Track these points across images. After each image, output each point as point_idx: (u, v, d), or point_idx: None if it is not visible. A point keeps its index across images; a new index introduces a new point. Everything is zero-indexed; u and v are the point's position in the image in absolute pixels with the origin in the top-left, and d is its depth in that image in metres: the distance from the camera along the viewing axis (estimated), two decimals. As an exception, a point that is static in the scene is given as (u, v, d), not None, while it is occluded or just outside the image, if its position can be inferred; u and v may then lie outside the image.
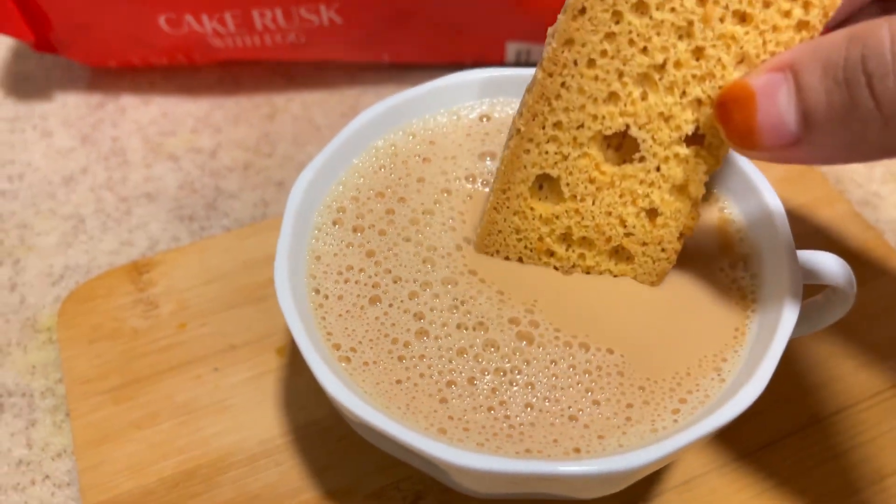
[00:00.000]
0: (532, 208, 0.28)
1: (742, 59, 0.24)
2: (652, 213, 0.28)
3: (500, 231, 0.29)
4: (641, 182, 0.27)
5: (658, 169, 0.27)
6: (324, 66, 0.50)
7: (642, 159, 0.27)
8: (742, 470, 0.32)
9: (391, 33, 0.46)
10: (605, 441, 0.24)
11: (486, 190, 0.31)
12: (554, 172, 0.27)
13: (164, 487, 0.32)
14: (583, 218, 0.28)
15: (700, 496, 0.32)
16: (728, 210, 0.31)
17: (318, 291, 0.28)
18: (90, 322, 0.37)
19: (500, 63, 0.49)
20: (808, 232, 0.40)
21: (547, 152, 0.27)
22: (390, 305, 0.27)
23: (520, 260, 0.29)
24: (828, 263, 0.28)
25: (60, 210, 0.43)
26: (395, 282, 0.28)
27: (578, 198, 0.28)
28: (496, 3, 0.45)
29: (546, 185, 0.28)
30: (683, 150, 0.26)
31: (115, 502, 0.32)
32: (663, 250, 0.28)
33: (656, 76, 0.25)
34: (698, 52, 0.25)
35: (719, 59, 0.24)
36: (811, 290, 0.33)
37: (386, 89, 0.49)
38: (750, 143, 0.23)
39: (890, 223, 0.42)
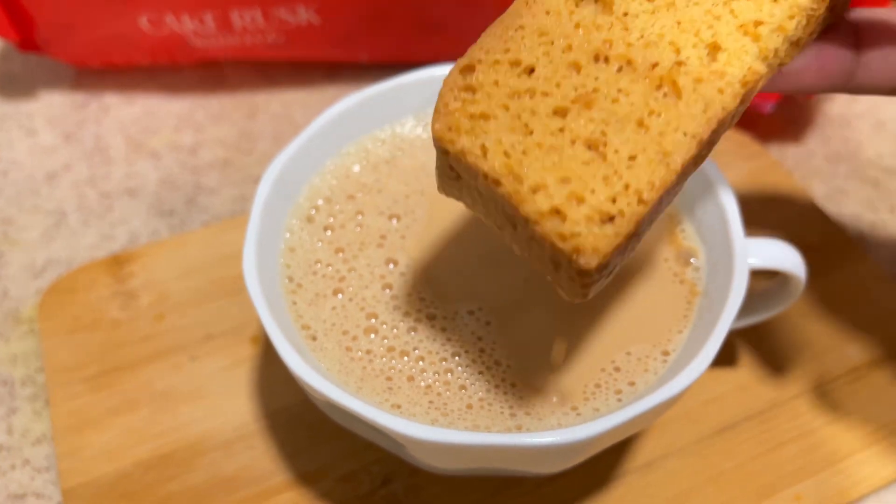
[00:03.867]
0: (571, 11, 0.24)
1: None
2: (714, 49, 0.24)
3: (519, 27, 0.24)
4: (707, 13, 0.24)
5: (727, 4, 0.24)
6: (303, 66, 0.51)
7: None
8: (702, 452, 0.33)
9: (369, 33, 0.47)
10: (545, 421, 0.25)
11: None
12: None
13: (141, 471, 0.33)
14: (629, 33, 0.24)
15: (661, 477, 0.33)
16: (678, 203, 0.32)
17: (291, 279, 0.29)
18: (71, 313, 0.38)
19: (476, 63, 0.50)
20: (771, 226, 0.41)
21: None
22: (350, 300, 0.29)
23: (531, 72, 0.23)
24: (779, 250, 0.30)
25: (44, 206, 0.44)
26: (357, 279, 0.29)
27: (630, 14, 0.24)
28: (472, 3, 0.46)
29: (590, 3, 0.25)
30: None
31: (92, 486, 0.32)
32: (720, 91, 0.23)
33: None
34: None
35: None
36: (765, 277, 0.34)
37: (364, 87, 0.50)
38: None
39: (852, 218, 0.43)
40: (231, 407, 0.35)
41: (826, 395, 0.35)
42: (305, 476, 0.33)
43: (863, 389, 0.35)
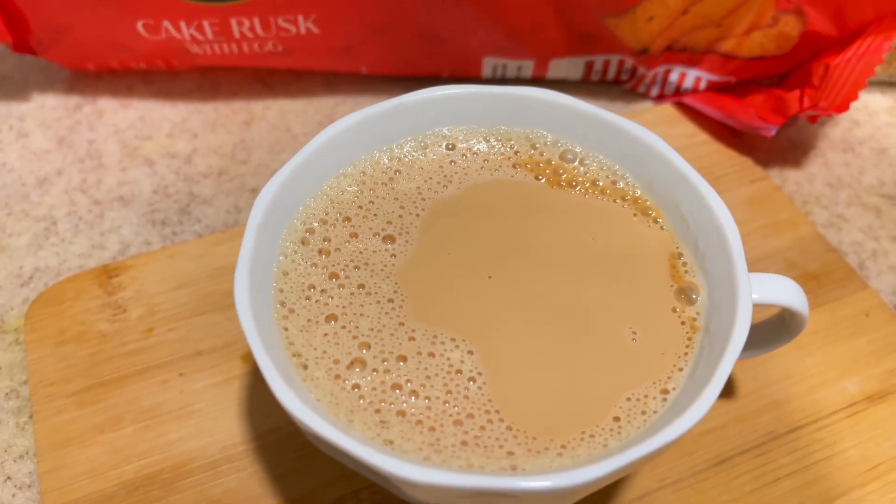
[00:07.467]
0: None
1: None
2: None
3: None
4: None
5: None
6: (302, 75, 0.50)
7: None
8: (697, 486, 0.33)
9: (369, 45, 0.47)
10: (541, 461, 0.25)
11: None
12: None
13: (125, 491, 0.32)
14: None
15: (654, 511, 0.32)
16: (680, 235, 0.31)
17: (283, 304, 0.29)
18: (57, 325, 0.37)
19: (477, 76, 0.49)
20: (771, 253, 0.41)
21: None
22: (343, 328, 0.28)
23: None
24: (782, 286, 0.29)
25: (33, 211, 0.43)
26: (350, 305, 0.29)
27: None
28: (474, 18, 0.45)
29: None
30: None
31: (74, 505, 0.32)
32: None
33: None
34: None
35: None
36: (765, 311, 0.33)
37: (363, 99, 0.49)
38: None
39: (853, 245, 0.43)
40: (219, 426, 0.34)
41: (822, 430, 0.35)
42: (293, 500, 0.32)
43: (861, 424, 0.35)
